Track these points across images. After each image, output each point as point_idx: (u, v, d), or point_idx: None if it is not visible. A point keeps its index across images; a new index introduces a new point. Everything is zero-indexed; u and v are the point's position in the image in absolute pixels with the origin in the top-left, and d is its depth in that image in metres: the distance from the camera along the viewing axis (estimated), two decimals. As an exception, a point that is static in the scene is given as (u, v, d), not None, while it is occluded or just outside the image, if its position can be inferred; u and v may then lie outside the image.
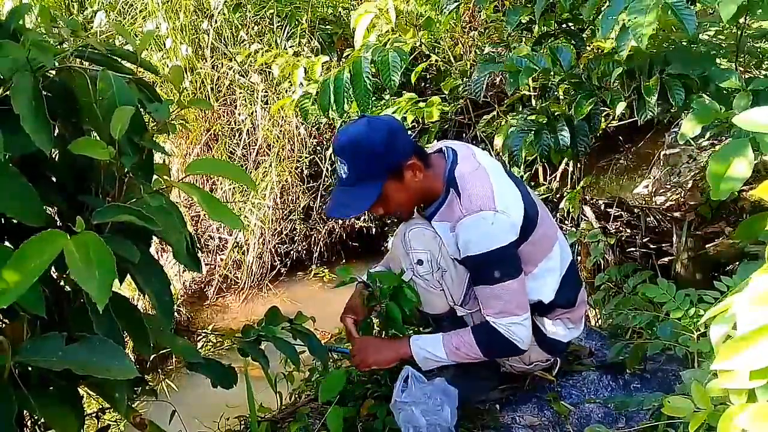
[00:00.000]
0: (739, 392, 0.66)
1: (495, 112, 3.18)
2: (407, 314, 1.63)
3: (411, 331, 1.82)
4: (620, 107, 1.85)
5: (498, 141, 2.90)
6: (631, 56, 1.73)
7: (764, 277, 0.57)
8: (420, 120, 3.28)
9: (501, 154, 2.86)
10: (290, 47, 3.87)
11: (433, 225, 1.56)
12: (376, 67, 2.06)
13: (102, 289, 0.81)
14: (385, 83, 2.08)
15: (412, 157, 1.52)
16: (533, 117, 2.09)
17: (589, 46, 2.28)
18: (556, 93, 2.29)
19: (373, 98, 2.10)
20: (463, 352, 1.57)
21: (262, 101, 4.09)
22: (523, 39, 3.04)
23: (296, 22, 4.04)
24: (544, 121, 2.05)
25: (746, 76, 1.49)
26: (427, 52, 3.16)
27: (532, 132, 2.06)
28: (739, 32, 1.71)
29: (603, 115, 2.16)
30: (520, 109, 2.95)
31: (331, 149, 3.56)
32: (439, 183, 1.56)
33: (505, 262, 1.50)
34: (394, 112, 2.97)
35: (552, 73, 1.92)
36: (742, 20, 1.77)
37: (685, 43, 1.87)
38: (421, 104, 3.08)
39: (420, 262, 1.57)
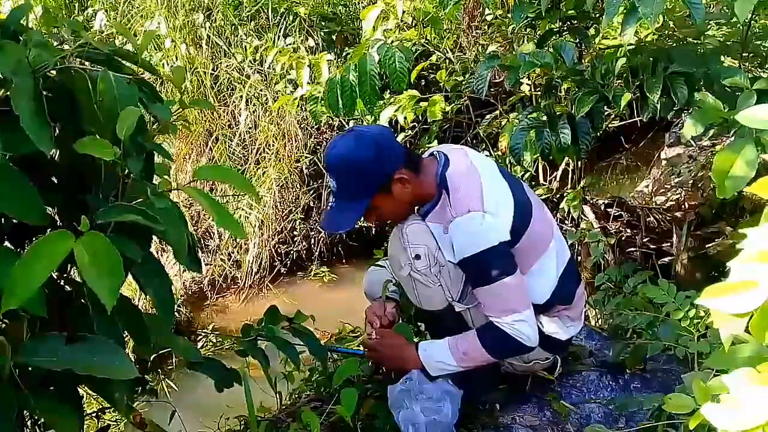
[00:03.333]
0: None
1: (497, 112, 3.16)
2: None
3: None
4: (625, 99, 1.81)
5: (503, 141, 2.90)
6: (634, 52, 1.71)
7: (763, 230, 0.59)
8: (420, 117, 3.26)
9: (506, 154, 2.85)
10: (289, 44, 3.86)
11: (428, 225, 1.58)
12: (382, 67, 2.05)
13: (111, 291, 0.82)
14: (393, 87, 2.06)
15: (400, 170, 1.53)
16: (534, 115, 2.07)
17: (594, 44, 2.28)
18: (558, 93, 2.27)
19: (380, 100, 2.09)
20: (471, 356, 1.57)
21: (261, 99, 4.08)
22: (527, 37, 3.03)
23: (294, 16, 4.03)
24: (545, 119, 2.03)
25: (750, 76, 1.48)
26: (431, 50, 3.14)
27: (533, 130, 2.04)
28: (745, 29, 1.69)
29: (605, 115, 2.14)
30: (522, 108, 2.93)
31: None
32: (432, 186, 1.57)
33: (499, 260, 1.50)
34: (395, 111, 2.96)
35: (554, 69, 1.91)
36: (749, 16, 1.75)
37: (690, 41, 1.85)
38: (423, 103, 3.06)
39: (418, 257, 1.57)
